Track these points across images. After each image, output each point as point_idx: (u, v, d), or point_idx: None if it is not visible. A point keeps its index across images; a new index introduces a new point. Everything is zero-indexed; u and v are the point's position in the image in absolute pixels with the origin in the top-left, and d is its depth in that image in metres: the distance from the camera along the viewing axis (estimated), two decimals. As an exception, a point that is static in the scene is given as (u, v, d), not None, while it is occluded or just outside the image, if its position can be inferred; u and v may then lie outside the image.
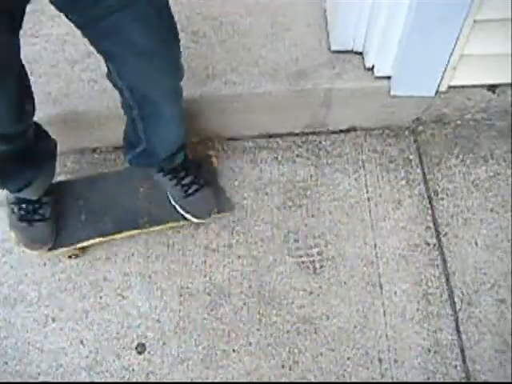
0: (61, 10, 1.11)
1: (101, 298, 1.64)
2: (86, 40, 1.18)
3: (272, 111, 1.81)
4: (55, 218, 1.68)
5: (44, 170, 1.58)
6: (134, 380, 1.52)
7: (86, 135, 1.84)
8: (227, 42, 1.82)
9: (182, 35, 1.87)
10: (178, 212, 1.67)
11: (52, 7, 1.09)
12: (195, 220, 1.67)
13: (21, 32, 1.10)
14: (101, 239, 1.67)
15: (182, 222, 1.69)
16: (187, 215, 1.67)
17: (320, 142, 1.86)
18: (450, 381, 1.51)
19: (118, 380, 1.52)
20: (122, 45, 1.16)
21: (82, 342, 1.58)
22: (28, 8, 1.08)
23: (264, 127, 1.87)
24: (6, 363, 1.57)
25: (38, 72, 1.77)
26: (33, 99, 1.35)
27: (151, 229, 1.68)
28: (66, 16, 1.12)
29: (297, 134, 1.88)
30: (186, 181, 1.67)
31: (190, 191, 1.66)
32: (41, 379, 1.54)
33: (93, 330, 1.60)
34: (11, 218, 1.65)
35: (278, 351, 1.55)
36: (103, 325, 1.60)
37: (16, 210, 1.63)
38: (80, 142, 1.88)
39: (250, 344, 1.56)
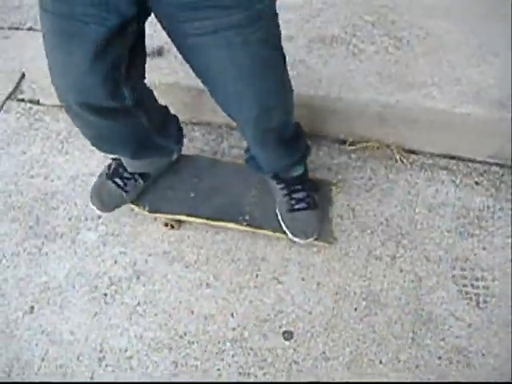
0: (157, 18, 1.17)
1: (257, 276, 1.66)
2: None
3: (461, 133, 1.76)
4: (133, 197, 1.70)
5: (147, 163, 1.63)
6: (277, 365, 1.53)
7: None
8: (431, 55, 1.79)
9: (384, 39, 1.88)
10: (278, 223, 1.65)
11: None
12: (291, 237, 1.63)
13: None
14: (197, 220, 1.70)
15: (278, 234, 1.66)
16: (285, 229, 1.63)
17: (502, 175, 1.79)
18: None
19: (260, 360, 1.53)
20: (203, 68, 1.22)
21: (231, 314, 1.61)
22: None
23: (447, 148, 1.83)
24: (156, 315, 1.62)
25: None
26: (138, 78, 1.36)
27: (247, 229, 1.68)
28: (163, 28, 1.19)
29: (479, 162, 1.82)
30: (298, 195, 1.63)
31: (296, 207, 1.62)
32: (186, 339, 1.57)
33: (244, 305, 1.62)
34: (103, 170, 1.72)
35: (426, 375, 1.50)
36: (255, 303, 1.62)
37: (111, 164, 1.70)
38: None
39: (399, 361, 1.52)
